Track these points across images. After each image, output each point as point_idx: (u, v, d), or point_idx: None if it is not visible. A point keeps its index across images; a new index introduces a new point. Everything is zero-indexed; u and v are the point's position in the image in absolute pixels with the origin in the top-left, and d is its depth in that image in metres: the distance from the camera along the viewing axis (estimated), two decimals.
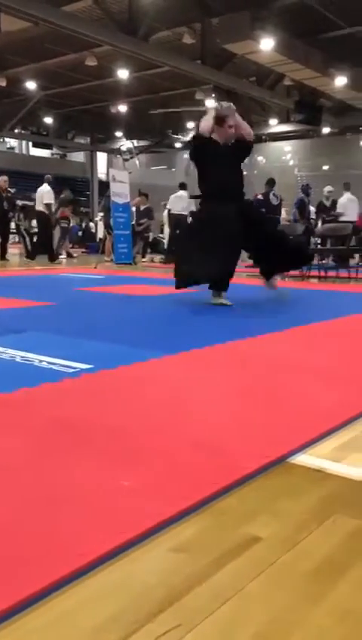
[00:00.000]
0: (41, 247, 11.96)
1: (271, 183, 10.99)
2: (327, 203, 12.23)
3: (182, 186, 12.69)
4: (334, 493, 1.33)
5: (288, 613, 0.91)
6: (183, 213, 12.26)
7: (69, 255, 13.96)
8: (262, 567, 1.03)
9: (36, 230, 12.68)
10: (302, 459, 1.52)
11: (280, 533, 1.15)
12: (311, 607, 0.92)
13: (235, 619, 0.89)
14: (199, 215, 6.28)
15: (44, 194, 11.74)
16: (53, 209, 12.15)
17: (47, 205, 11.70)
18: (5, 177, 11.86)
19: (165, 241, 13.19)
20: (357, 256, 11.22)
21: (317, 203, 12.49)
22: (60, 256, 13.09)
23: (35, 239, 12.57)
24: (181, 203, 12.34)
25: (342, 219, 10.94)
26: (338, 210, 11.55)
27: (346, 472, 1.44)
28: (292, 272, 8.01)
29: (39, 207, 11.75)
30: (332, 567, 1.03)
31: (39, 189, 11.84)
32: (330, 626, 0.88)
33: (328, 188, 12.51)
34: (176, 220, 12.24)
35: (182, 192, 12.49)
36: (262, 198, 10.96)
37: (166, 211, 13.14)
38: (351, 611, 0.91)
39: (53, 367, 2.47)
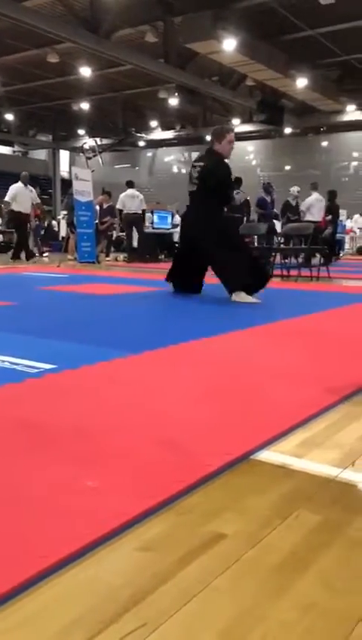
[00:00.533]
0: (20, 247, 11.70)
1: (237, 182, 10.94)
2: (293, 202, 12.32)
3: (131, 184, 12.42)
4: (297, 489, 1.35)
5: (253, 609, 0.92)
6: (138, 212, 12.06)
7: (41, 253, 13.74)
8: (227, 564, 1.03)
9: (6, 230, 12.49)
10: (266, 456, 1.54)
11: (244, 529, 1.16)
12: (275, 601, 0.94)
13: (201, 616, 0.90)
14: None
15: (27, 194, 11.48)
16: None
17: (38, 205, 11.52)
18: None
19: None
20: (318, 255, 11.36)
21: (283, 202, 12.58)
22: (44, 255, 12.86)
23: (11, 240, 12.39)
24: (134, 202, 12.11)
25: (307, 218, 11.06)
26: (301, 208, 11.66)
27: (309, 468, 1.46)
28: None
29: (18, 208, 11.39)
30: (296, 562, 1.05)
31: (17, 188, 11.42)
32: (294, 620, 0.89)
33: (296, 188, 12.58)
34: (132, 219, 12.05)
35: (132, 191, 12.25)
36: None
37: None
38: (313, 605, 0.93)
39: (16, 367, 2.44)
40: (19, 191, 11.40)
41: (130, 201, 12.12)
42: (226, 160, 5.47)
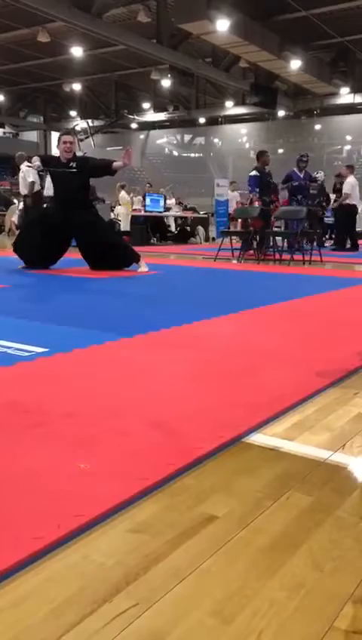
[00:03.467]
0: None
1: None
2: (314, 190, 11.47)
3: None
4: (288, 471, 1.36)
5: (243, 589, 0.93)
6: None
7: None
8: (218, 545, 1.05)
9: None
10: (257, 438, 1.55)
11: (235, 511, 1.17)
12: (265, 581, 0.95)
13: (192, 596, 0.91)
14: None
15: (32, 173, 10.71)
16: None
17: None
18: None
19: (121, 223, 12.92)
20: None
21: (333, 184, 12.16)
22: None
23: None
24: None
25: (348, 201, 10.58)
26: (346, 191, 10.63)
27: (299, 450, 1.48)
28: (248, 254, 8.11)
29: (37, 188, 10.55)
30: (286, 543, 1.06)
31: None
32: (283, 599, 0.90)
33: (321, 174, 11.75)
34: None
35: None
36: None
37: (123, 192, 12.83)
38: (302, 585, 0.94)
39: (8, 350, 2.43)
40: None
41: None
42: None
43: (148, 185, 14.93)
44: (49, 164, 6.18)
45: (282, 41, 15.67)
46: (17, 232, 8.63)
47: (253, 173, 8.40)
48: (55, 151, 28.05)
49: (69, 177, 5.87)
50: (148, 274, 5.88)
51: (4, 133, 30.40)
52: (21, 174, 10.70)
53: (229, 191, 14.39)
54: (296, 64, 16.56)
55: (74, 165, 5.90)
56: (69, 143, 5.99)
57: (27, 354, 2.38)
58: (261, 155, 8.71)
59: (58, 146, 6.15)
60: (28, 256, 6.04)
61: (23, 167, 10.49)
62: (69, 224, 5.92)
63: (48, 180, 10.81)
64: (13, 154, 11.55)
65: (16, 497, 1.18)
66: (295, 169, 9.56)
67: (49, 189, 10.77)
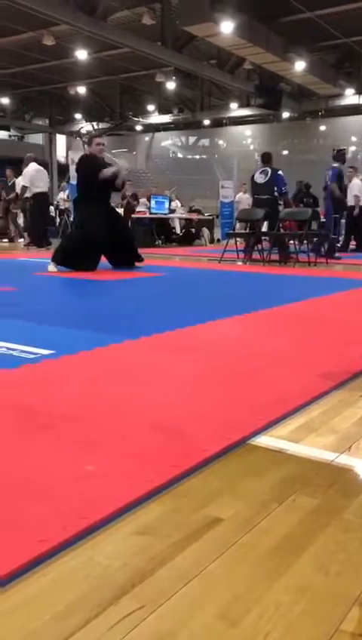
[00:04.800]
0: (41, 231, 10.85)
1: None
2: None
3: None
4: (294, 473, 1.36)
5: (248, 592, 0.93)
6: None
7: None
8: (223, 548, 1.04)
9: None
10: (262, 440, 1.54)
11: (241, 513, 1.17)
12: (270, 584, 0.95)
13: (198, 599, 0.91)
14: None
15: (45, 175, 10.72)
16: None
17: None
18: None
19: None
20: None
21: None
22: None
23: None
24: (43, 179, 10.92)
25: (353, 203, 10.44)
26: (356, 192, 10.53)
27: (305, 452, 1.47)
28: (254, 257, 8.09)
29: (37, 189, 10.50)
30: (292, 546, 1.06)
31: (41, 169, 10.63)
32: (289, 602, 0.90)
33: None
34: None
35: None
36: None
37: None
38: (308, 588, 0.94)
39: (14, 352, 2.44)
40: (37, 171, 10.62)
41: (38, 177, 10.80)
42: None
43: (153, 187, 14.96)
44: (98, 164, 6.27)
45: (287, 42, 15.65)
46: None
47: (281, 172, 8.20)
48: (60, 153, 27.70)
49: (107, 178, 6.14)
50: (153, 276, 5.89)
51: (10, 136, 30.48)
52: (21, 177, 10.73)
53: (241, 193, 14.34)
54: (300, 65, 16.53)
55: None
56: (103, 144, 6.38)
57: (33, 356, 2.38)
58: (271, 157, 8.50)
59: (91, 147, 6.41)
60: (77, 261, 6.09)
61: (28, 168, 10.53)
62: (109, 225, 6.16)
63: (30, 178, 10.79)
64: (19, 157, 11.56)
65: (21, 499, 1.19)
66: None
67: (36, 187, 10.75)
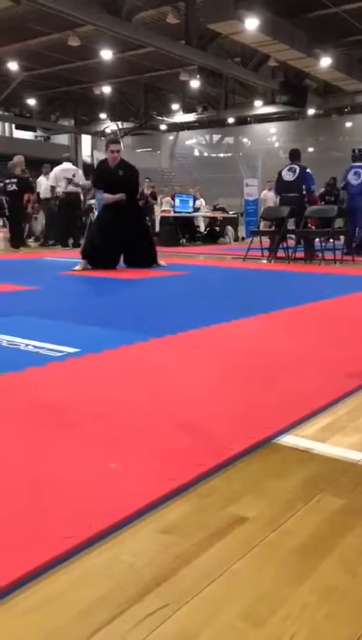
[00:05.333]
0: (67, 233, 10.73)
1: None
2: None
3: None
4: (319, 473, 1.35)
5: (273, 592, 0.92)
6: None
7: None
8: (248, 547, 1.04)
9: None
10: (288, 440, 1.53)
11: (266, 513, 1.16)
12: (296, 584, 0.94)
13: (222, 598, 0.91)
14: None
15: (79, 174, 10.57)
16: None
17: (83, 187, 10.57)
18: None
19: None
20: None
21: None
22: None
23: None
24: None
25: None
26: None
27: (331, 452, 1.46)
28: (279, 255, 8.04)
29: (74, 188, 10.39)
30: (317, 546, 1.05)
31: (69, 168, 10.46)
32: (315, 603, 0.89)
33: None
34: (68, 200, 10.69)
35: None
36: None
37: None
38: (334, 588, 0.93)
39: (40, 351, 2.46)
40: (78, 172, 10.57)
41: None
42: None
43: (178, 186, 14.96)
44: (102, 171, 6.47)
45: (311, 38, 15.51)
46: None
47: (309, 170, 8.08)
48: (86, 153, 27.90)
49: (117, 183, 6.24)
50: (177, 274, 5.89)
51: (36, 136, 30.80)
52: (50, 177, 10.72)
53: (265, 190, 14.24)
54: (326, 62, 16.37)
55: (121, 173, 6.28)
56: (117, 151, 6.38)
57: (59, 354, 2.40)
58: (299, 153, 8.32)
59: (106, 152, 6.48)
60: (97, 257, 6.24)
61: (55, 168, 10.56)
62: (119, 225, 6.21)
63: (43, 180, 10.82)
64: (45, 157, 11.59)
65: (47, 496, 1.20)
66: None
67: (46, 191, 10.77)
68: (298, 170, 7.93)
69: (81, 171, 10.92)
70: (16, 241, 10.12)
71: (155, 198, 13.24)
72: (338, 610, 0.88)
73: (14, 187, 9.91)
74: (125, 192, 6.29)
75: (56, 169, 10.57)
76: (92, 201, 12.71)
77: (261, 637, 0.82)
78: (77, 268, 6.15)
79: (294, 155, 8.24)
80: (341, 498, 1.22)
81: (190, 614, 0.87)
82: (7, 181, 10.09)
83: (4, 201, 11.86)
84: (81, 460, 1.38)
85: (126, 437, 1.52)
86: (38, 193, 11.21)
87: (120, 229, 6.21)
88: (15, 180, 9.91)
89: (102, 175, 6.48)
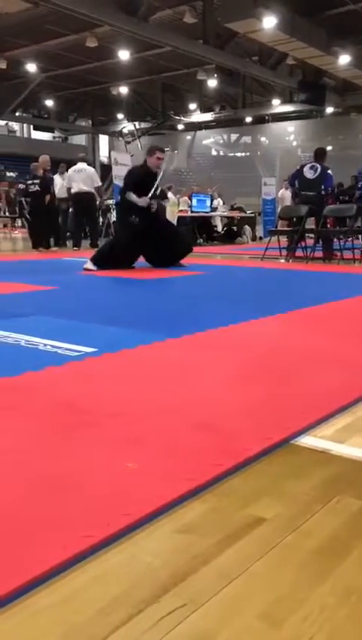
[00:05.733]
0: (79, 233, 10.69)
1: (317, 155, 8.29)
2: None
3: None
4: (338, 474, 1.33)
5: (292, 593, 0.91)
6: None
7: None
8: (266, 548, 1.03)
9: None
10: (306, 440, 1.52)
11: (284, 514, 1.15)
12: (315, 586, 0.93)
13: (240, 599, 0.90)
14: None
15: (94, 175, 10.38)
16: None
17: (98, 188, 10.49)
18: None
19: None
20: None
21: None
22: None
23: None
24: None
25: None
26: None
27: (350, 453, 1.45)
28: (297, 254, 8.00)
29: (84, 188, 10.14)
30: (336, 547, 1.04)
31: (83, 168, 10.29)
32: (334, 605, 0.89)
33: None
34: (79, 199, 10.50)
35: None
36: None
37: (169, 194, 12.83)
38: (354, 590, 0.92)
39: (58, 350, 2.48)
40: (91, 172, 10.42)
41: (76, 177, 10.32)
42: None
43: (195, 185, 14.95)
44: (144, 177, 6.44)
45: (330, 36, 15.40)
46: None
47: (330, 171, 8.00)
48: (103, 153, 27.87)
49: (151, 188, 6.33)
50: (195, 274, 5.89)
51: (54, 137, 31.01)
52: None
53: (283, 189, 14.16)
54: (344, 59, 16.24)
55: (158, 178, 6.44)
56: (162, 159, 6.51)
57: (76, 354, 2.41)
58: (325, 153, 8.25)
59: (150, 158, 6.44)
60: (113, 261, 6.27)
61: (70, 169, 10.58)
62: (150, 228, 6.29)
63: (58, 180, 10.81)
64: (63, 157, 11.62)
65: (65, 495, 1.20)
66: None
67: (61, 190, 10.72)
68: (319, 170, 7.87)
69: (94, 171, 10.87)
70: (38, 241, 10.17)
71: (165, 197, 13.20)
72: (358, 611, 0.87)
73: (37, 188, 9.95)
74: (156, 197, 6.38)
75: (71, 170, 10.60)
76: (110, 202, 12.75)
77: (279, 638, 0.82)
78: (87, 267, 6.16)
79: (319, 155, 8.15)
80: (360, 500, 1.21)
81: (208, 615, 0.86)
82: (30, 182, 10.13)
83: (24, 202, 11.89)
84: (99, 459, 1.38)
85: (143, 436, 1.52)
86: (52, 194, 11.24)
87: (149, 232, 6.25)
88: (37, 181, 9.95)
89: (143, 179, 6.39)
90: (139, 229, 6.23)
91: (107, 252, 6.38)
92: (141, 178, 6.42)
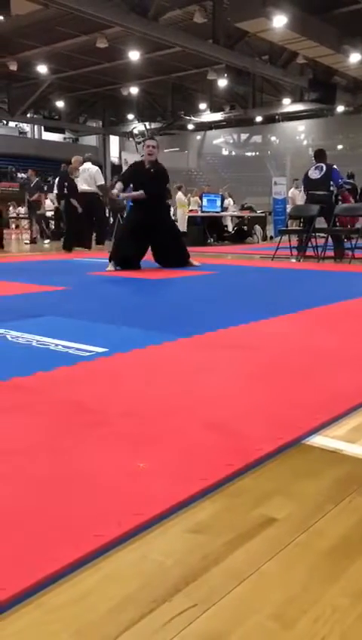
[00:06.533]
0: (88, 234, 10.70)
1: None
2: None
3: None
4: (350, 474, 1.33)
5: (303, 593, 0.91)
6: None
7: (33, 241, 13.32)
8: (277, 548, 1.03)
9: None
10: (317, 440, 1.52)
11: (295, 514, 1.15)
12: (326, 586, 0.93)
13: (251, 599, 0.90)
14: None
15: (95, 174, 10.47)
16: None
17: (101, 186, 10.50)
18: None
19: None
20: None
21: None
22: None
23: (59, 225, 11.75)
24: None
25: None
26: None
27: None
28: (308, 254, 7.97)
29: (87, 188, 10.23)
30: (348, 548, 1.03)
31: (87, 168, 10.38)
32: (346, 606, 0.88)
33: None
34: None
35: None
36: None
37: (179, 193, 12.87)
38: None
39: (69, 350, 2.48)
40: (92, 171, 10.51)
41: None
42: None
43: (206, 185, 14.94)
44: (134, 170, 6.53)
45: (341, 34, 15.34)
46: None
47: (336, 166, 7.99)
48: (114, 154, 28.11)
49: (148, 181, 6.28)
50: (205, 274, 5.89)
51: (65, 138, 31.14)
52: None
53: (293, 189, 14.12)
54: (355, 57, 16.17)
55: (152, 171, 6.33)
56: (152, 147, 6.41)
57: (87, 354, 2.42)
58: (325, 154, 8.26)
59: (145, 150, 6.56)
60: (123, 259, 6.32)
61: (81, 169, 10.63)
62: (149, 224, 6.29)
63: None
64: (86, 153, 11.59)
65: (77, 494, 1.21)
66: None
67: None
68: (324, 168, 7.87)
69: (96, 169, 10.88)
70: (68, 242, 10.21)
71: (169, 196, 13.18)
72: None
73: (66, 190, 10.09)
74: (153, 190, 6.30)
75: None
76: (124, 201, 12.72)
77: (291, 639, 0.81)
78: (108, 268, 6.23)
79: (320, 156, 8.18)
80: None
81: (219, 614, 0.86)
82: (66, 184, 10.19)
83: (73, 202, 11.84)
84: (110, 458, 1.38)
85: (154, 436, 1.52)
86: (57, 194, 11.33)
87: (148, 228, 6.26)
88: (66, 184, 10.10)
89: (131, 173, 6.53)
90: (140, 225, 6.26)
91: (115, 250, 6.45)
92: (129, 171, 6.58)
